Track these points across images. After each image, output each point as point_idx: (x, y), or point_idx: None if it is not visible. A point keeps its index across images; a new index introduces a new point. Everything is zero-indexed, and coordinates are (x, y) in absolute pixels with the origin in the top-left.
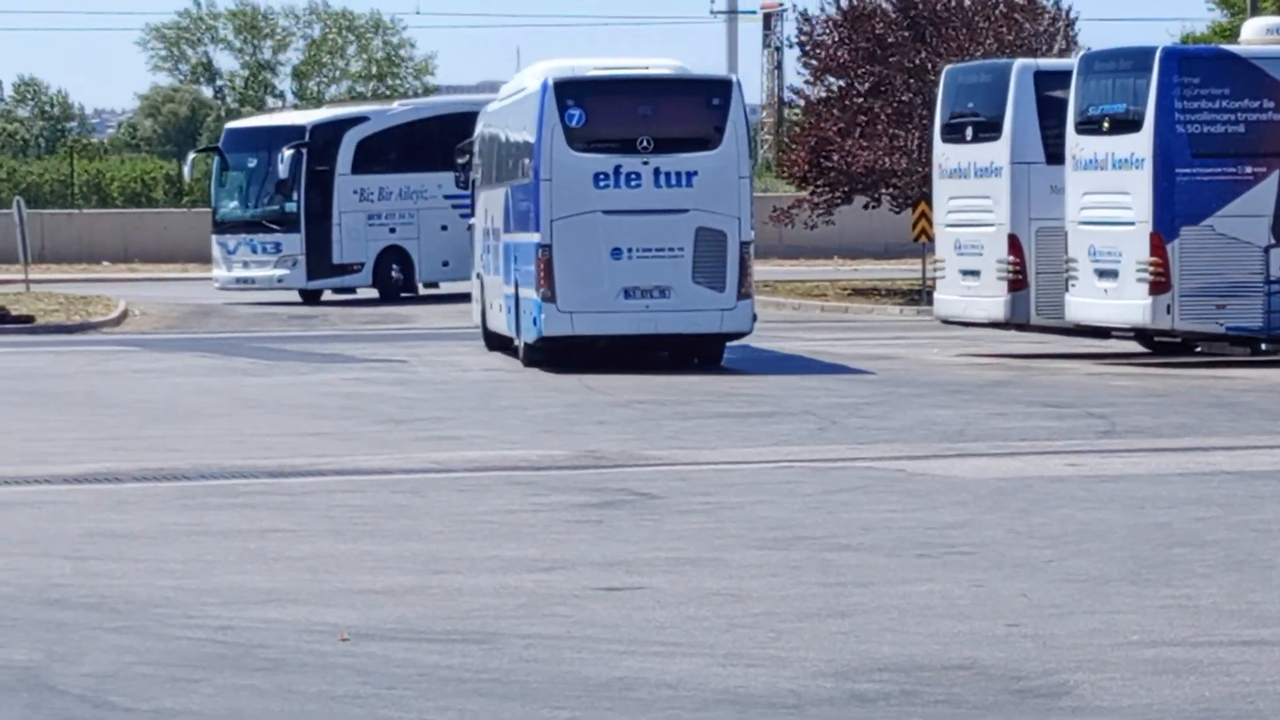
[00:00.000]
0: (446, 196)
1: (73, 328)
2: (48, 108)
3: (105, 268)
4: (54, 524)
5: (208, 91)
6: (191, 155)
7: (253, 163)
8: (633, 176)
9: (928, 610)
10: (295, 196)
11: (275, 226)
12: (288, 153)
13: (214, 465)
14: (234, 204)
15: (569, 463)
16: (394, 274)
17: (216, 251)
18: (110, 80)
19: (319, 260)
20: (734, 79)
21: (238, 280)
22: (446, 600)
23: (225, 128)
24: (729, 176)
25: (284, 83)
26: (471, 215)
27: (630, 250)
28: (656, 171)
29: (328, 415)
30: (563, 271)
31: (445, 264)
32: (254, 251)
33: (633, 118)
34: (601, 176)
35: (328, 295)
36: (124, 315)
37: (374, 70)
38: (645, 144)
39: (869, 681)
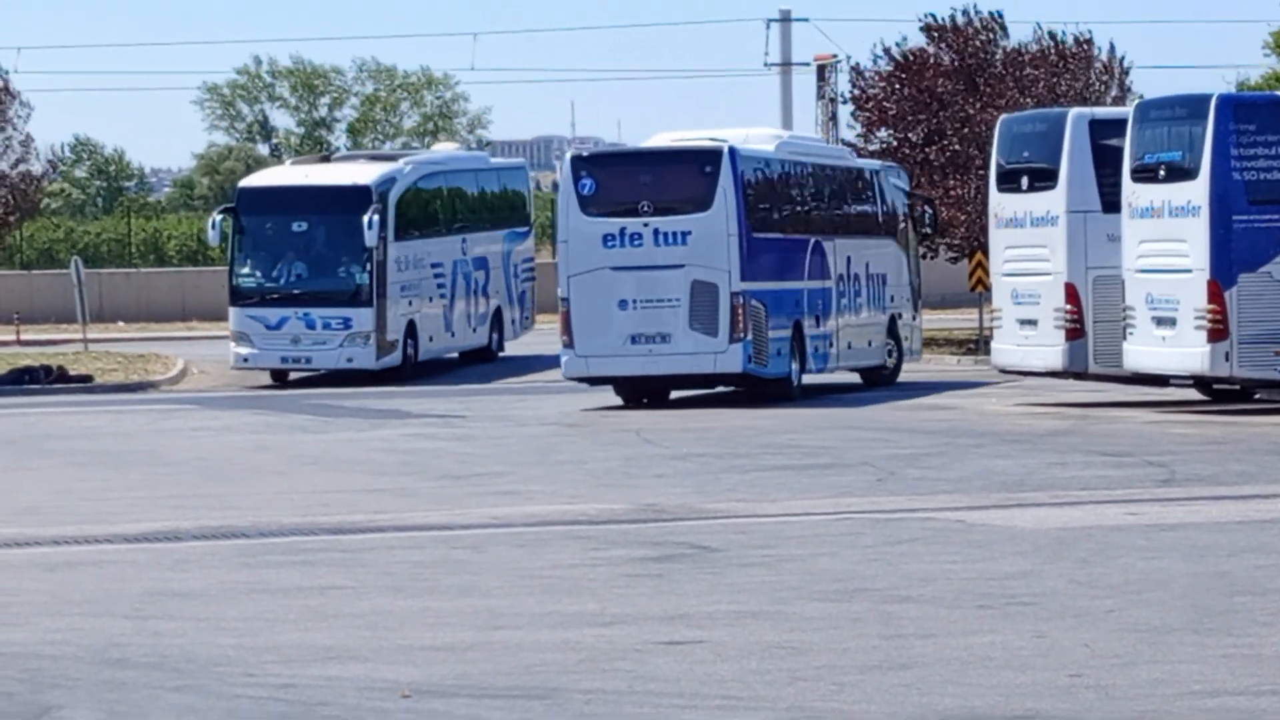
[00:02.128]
0: (435, 265)
1: (131, 386)
2: (104, 167)
3: (160, 326)
4: (115, 583)
5: (263, 149)
6: (217, 216)
7: (301, 226)
8: (635, 236)
9: (989, 661)
10: (369, 265)
11: (340, 299)
12: (367, 218)
13: (273, 523)
14: (275, 272)
15: (628, 516)
16: (409, 349)
17: (244, 326)
18: (166, 139)
19: (382, 338)
20: (725, 148)
21: (284, 359)
22: (507, 656)
23: (244, 186)
24: (719, 234)
25: (339, 139)
26: None
27: (634, 301)
28: (656, 231)
29: (385, 471)
30: (579, 321)
31: (452, 334)
32: (310, 328)
33: (635, 185)
34: (609, 237)
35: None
36: (182, 374)
37: (429, 126)
38: (646, 208)
39: None
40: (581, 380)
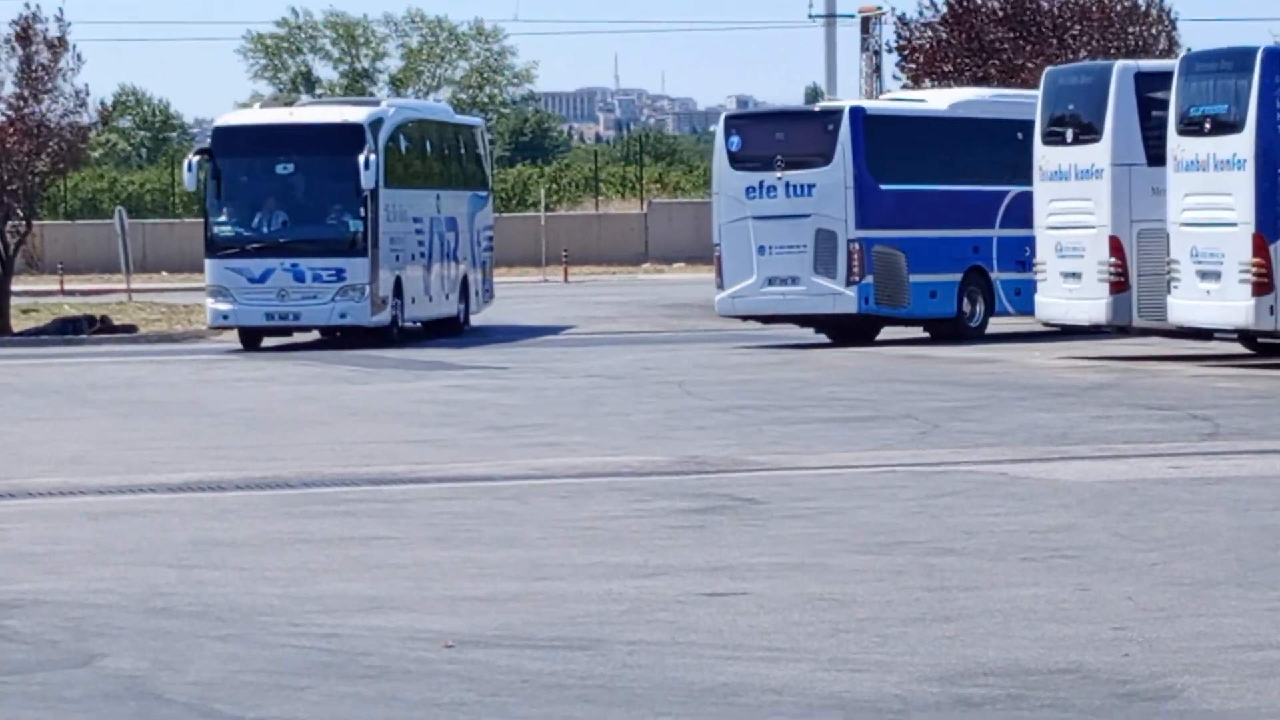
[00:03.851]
0: (416, 220)
1: (175, 337)
2: (149, 118)
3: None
4: (159, 533)
5: (307, 100)
6: (193, 158)
7: (285, 168)
8: (771, 188)
9: (1032, 614)
10: (364, 211)
11: (332, 248)
12: (363, 158)
13: (315, 473)
14: (258, 220)
15: (671, 468)
16: (395, 310)
17: (223, 280)
18: (211, 90)
19: (375, 292)
20: (845, 107)
21: (269, 316)
22: (550, 607)
23: (220, 125)
24: (839, 186)
25: (381, 91)
26: None
27: (770, 247)
28: (787, 184)
29: (428, 422)
30: (728, 265)
31: (430, 298)
32: (299, 280)
33: (772, 142)
34: (751, 189)
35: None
36: None
37: (474, 78)
38: (780, 162)
39: (975, 686)
40: (730, 317)
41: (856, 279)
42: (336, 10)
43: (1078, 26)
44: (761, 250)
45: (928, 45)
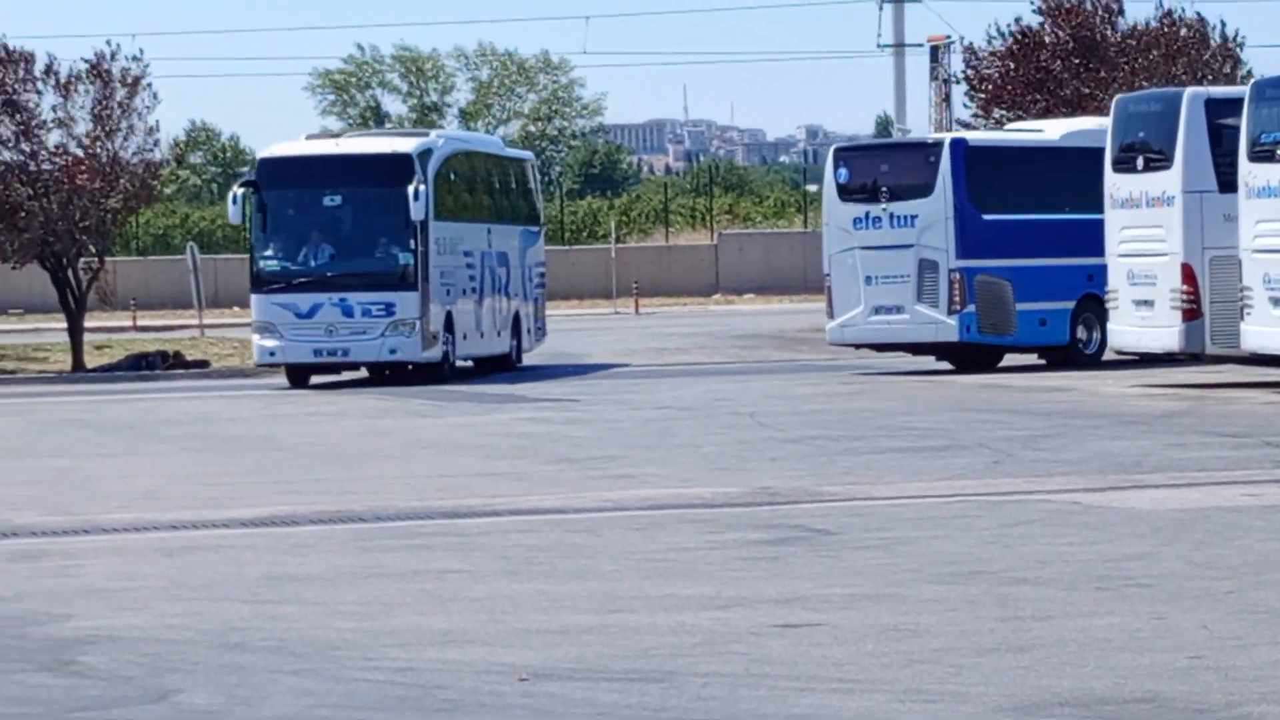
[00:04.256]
0: (467, 253)
1: (247, 372)
2: (220, 153)
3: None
4: (233, 568)
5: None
6: (238, 190)
7: (333, 200)
8: (876, 219)
9: (1107, 644)
10: (413, 244)
11: (381, 282)
12: (412, 189)
13: (389, 507)
14: (304, 254)
15: (743, 500)
16: (447, 345)
17: (270, 315)
18: (280, 125)
19: (426, 327)
20: (946, 139)
21: (317, 352)
22: (623, 639)
23: (265, 157)
24: (940, 217)
25: (450, 124)
26: None
27: (876, 277)
28: (891, 215)
29: (501, 455)
30: (837, 294)
31: (481, 334)
32: (347, 315)
33: (877, 174)
34: (858, 220)
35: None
36: None
37: (543, 110)
38: (885, 194)
39: (1049, 717)
40: (840, 345)
41: (958, 308)
42: (407, 46)
43: (1147, 56)
44: (868, 280)
45: (995, 75)
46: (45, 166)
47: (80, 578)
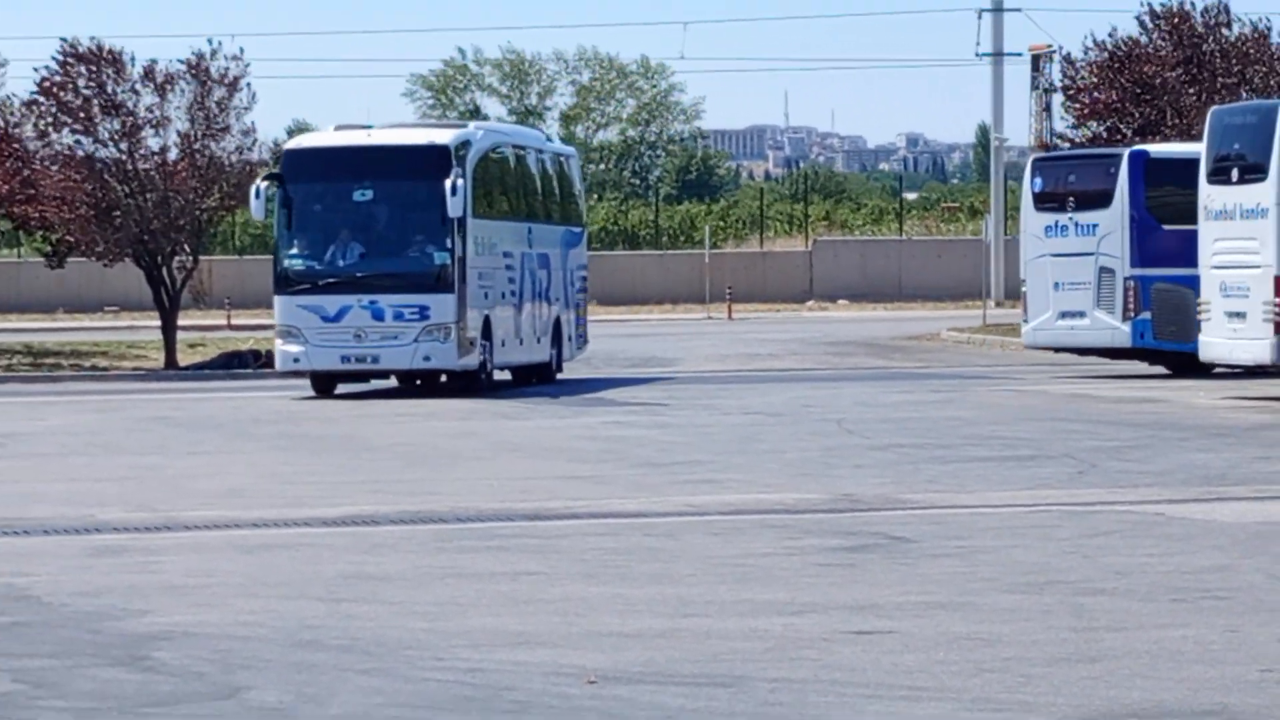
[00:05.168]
0: (507, 254)
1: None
2: None
3: None
4: (310, 566)
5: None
6: (261, 183)
7: (364, 194)
8: (1064, 228)
9: (1180, 655)
10: (450, 243)
11: (415, 283)
12: (449, 183)
13: (470, 508)
14: (332, 252)
15: (824, 506)
16: (485, 353)
17: (294, 319)
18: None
19: (463, 332)
20: (1126, 152)
21: (344, 359)
22: (694, 643)
23: (291, 148)
24: (1117, 226)
25: (551, 127)
26: None
27: (1062, 283)
28: (1076, 224)
29: (586, 459)
30: (1031, 299)
31: (520, 342)
32: (378, 319)
33: (1065, 184)
34: (1049, 228)
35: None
36: None
37: (643, 115)
38: (1071, 203)
39: None
40: (1033, 348)
41: (1132, 314)
42: (513, 48)
43: (1253, 67)
44: (1056, 286)
45: (1092, 86)
46: (142, 165)
47: (159, 574)
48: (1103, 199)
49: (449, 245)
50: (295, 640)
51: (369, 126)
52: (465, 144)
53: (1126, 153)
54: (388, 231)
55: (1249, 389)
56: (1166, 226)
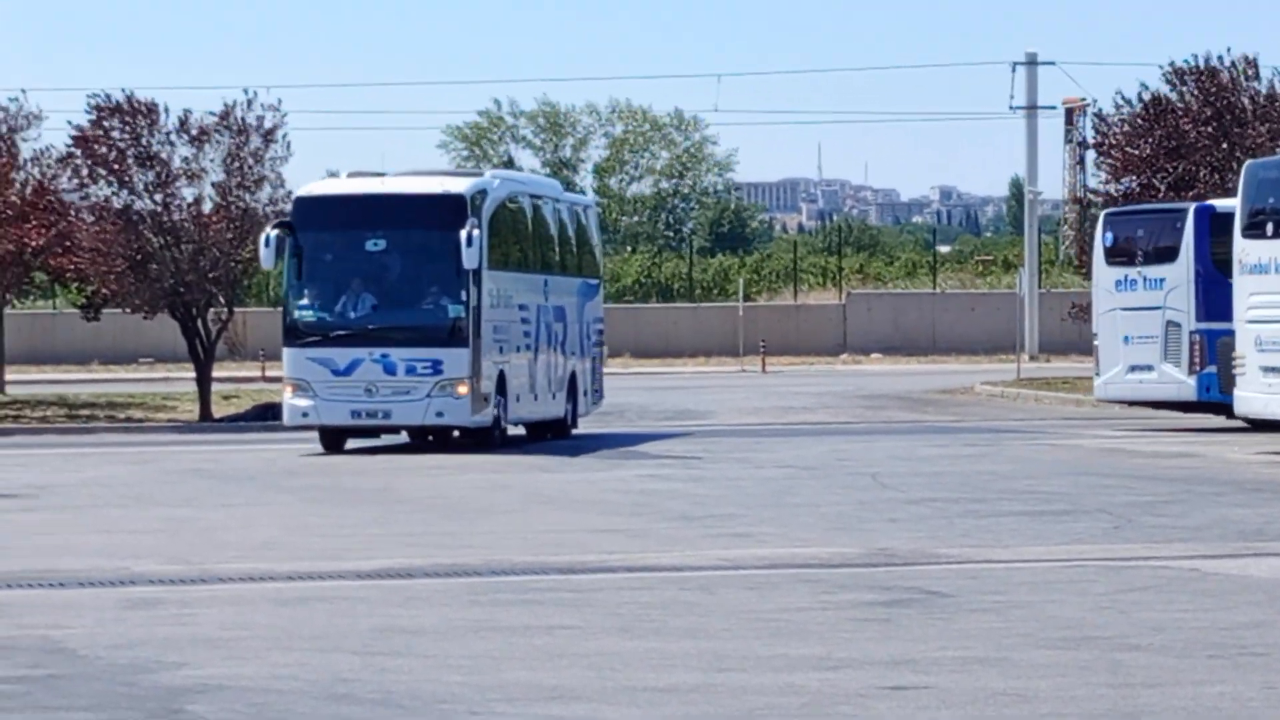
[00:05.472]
0: (522, 306)
1: None
2: None
3: None
4: (345, 619)
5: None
6: (271, 231)
7: (377, 244)
8: (1132, 282)
9: (1217, 712)
10: (464, 295)
11: (428, 337)
12: (465, 234)
13: (504, 561)
14: (343, 303)
15: (859, 560)
16: (499, 409)
17: (304, 372)
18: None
19: (477, 387)
20: (1191, 207)
21: (355, 414)
22: (730, 699)
23: (302, 195)
24: (1183, 280)
25: (584, 179)
26: None
27: (1132, 337)
28: (1144, 278)
29: (619, 512)
30: (1103, 353)
31: (535, 397)
32: (389, 373)
33: (1134, 238)
34: (1119, 282)
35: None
36: None
37: (676, 167)
38: (1140, 258)
39: None
40: (1105, 402)
41: (1198, 369)
42: (547, 99)
43: None
44: (1125, 339)
45: (1124, 141)
46: (177, 217)
47: (194, 626)
48: (1170, 254)
49: (464, 298)
50: (330, 694)
51: (383, 174)
52: (482, 193)
53: (1192, 208)
54: (401, 282)
55: None
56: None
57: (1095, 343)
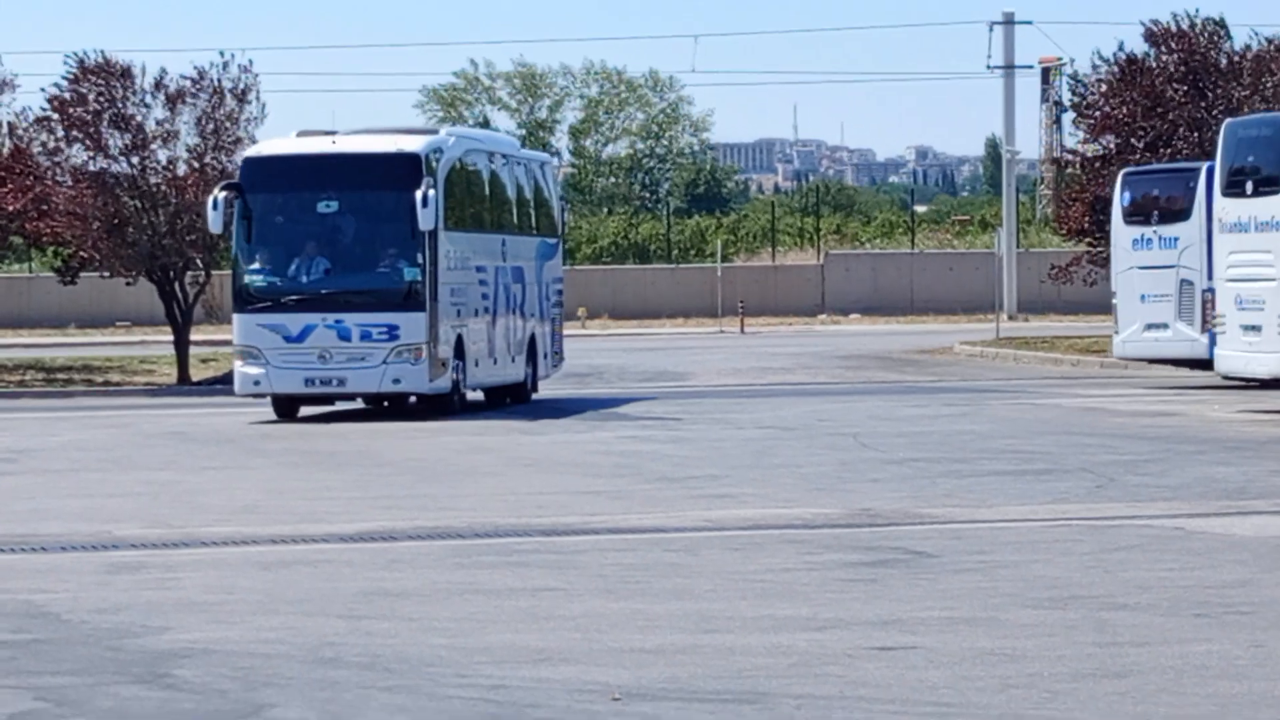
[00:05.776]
0: (480, 268)
1: None
2: None
3: None
4: (329, 583)
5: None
6: (219, 194)
7: (329, 205)
8: (1148, 241)
9: (1205, 671)
10: (421, 257)
11: (384, 301)
12: (421, 194)
13: (487, 524)
14: (295, 267)
15: (843, 521)
16: (457, 374)
17: (254, 339)
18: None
19: (434, 352)
20: (1203, 166)
21: (308, 382)
22: (718, 659)
23: (250, 156)
24: (1196, 239)
25: (560, 140)
26: None
27: (1148, 296)
28: (1159, 237)
29: (600, 473)
30: (1121, 311)
31: (494, 361)
32: (344, 339)
33: (1150, 198)
34: (1136, 241)
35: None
36: None
37: (652, 128)
38: (1155, 217)
39: None
40: (1124, 360)
41: (1209, 327)
42: (524, 61)
43: (1270, 79)
44: (1142, 298)
45: (1101, 101)
46: (153, 180)
47: (177, 590)
48: (1183, 213)
49: (419, 260)
50: (316, 657)
51: (334, 133)
52: (437, 151)
53: (1204, 166)
54: (354, 245)
55: (1263, 402)
56: None
57: (1114, 301)
